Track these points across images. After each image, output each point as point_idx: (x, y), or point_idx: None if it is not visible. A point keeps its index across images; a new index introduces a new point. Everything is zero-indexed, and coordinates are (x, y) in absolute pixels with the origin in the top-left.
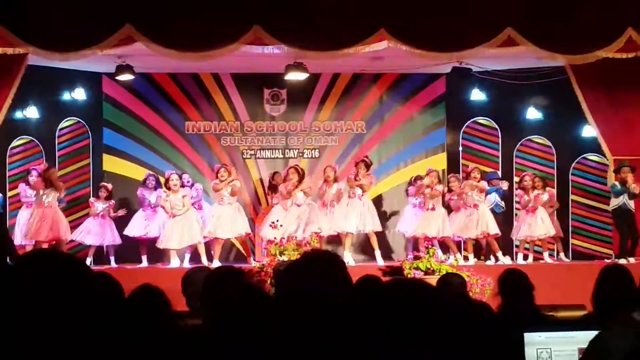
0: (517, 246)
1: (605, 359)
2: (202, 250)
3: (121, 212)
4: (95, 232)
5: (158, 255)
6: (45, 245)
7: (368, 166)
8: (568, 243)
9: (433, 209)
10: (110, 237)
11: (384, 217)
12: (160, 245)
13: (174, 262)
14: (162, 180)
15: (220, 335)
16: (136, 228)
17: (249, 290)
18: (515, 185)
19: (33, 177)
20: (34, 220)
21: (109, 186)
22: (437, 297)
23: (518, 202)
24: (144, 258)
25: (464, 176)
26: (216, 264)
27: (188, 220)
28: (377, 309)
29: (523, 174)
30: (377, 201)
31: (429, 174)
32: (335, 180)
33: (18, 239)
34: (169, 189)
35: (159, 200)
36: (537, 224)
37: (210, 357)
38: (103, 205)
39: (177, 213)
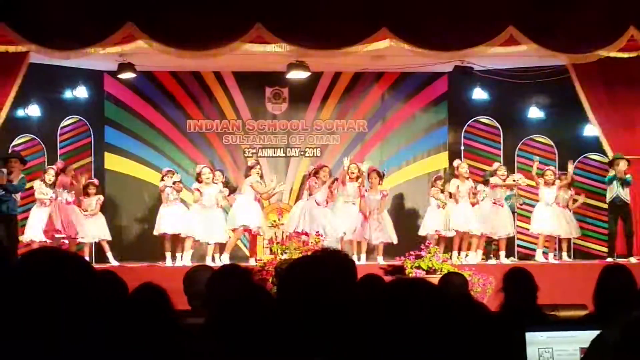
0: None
1: (607, 358)
2: (210, 249)
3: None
4: (88, 230)
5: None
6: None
7: (381, 177)
8: (570, 242)
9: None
10: (103, 233)
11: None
12: (184, 234)
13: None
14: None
15: (223, 335)
16: (167, 225)
17: (254, 289)
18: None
19: (51, 176)
20: (56, 218)
21: (96, 182)
22: (440, 297)
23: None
24: (168, 255)
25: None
26: (225, 258)
27: (216, 216)
28: (380, 308)
29: (546, 168)
30: None
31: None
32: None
33: (29, 235)
34: (200, 182)
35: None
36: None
37: (212, 357)
38: (93, 200)
39: (207, 205)
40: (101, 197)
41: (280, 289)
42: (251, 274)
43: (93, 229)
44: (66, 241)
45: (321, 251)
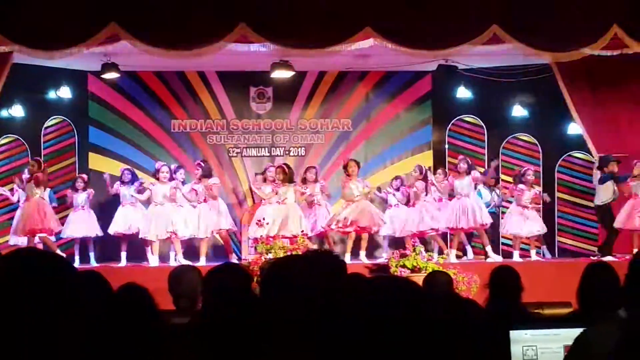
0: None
1: (590, 356)
2: (178, 247)
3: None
4: (80, 223)
5: (138, 252)
6: (36, 239)
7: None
8: (554, 240)
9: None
10: (94, 228)
11: None
12: (141, 235)
13: (153, 260)
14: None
15: (215, 332)
16: (120, 224)
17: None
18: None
19: (25, 176)
20: (24, 213)
21: (85, 176)
22: (422, 295)
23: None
24: (124, 255)
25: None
26: (202, 261)
27: (167, 213)
28: (362, 307)
29: (525, 168)
30: None
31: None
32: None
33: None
34: (157, 179)
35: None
36: (535, 220)
37: (195, 355)
38: (83, 195)
39: (159, 203)
40: (92, 191)
41: (261, 288)
42: (250, 275)
43: (83, 224)
44: (52, 238)
45: (310, 252)
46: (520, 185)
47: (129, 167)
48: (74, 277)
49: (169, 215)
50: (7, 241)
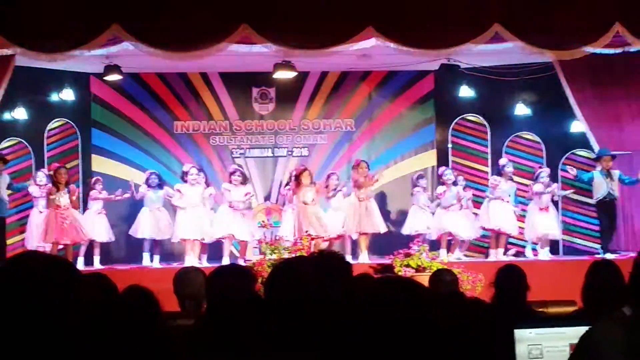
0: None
1: (596, 354)
2: (196, 250)
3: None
4: (104, 227)
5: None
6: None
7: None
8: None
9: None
10: (110, 232)
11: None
12: (174, 238)
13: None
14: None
15: (217, 333)
16: (146, 229)
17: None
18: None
19: (42, 179)
20: (50, 223)
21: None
22: (427, 296)
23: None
24: (151, 257)
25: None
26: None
27: (202, 215)
28: (368, 309)
29: (539, 169)
30: None
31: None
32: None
33: (31, 242)
34: (186, 182)
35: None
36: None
37: (203, 357)
38: (102, 198)
39: (193, 204)
40: (75, 187)
41: (266, 289)
42: (253, 276)
43: (101, 229)
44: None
45: (317, 253)
46: (536, 187)
47: (154, 171)
48: (77, 280)
49: (201, 219)
50: (16, 242)
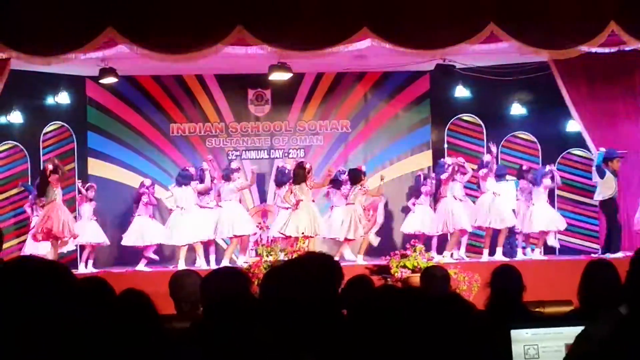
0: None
1: (591, 354)
2: (201, 251)
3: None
4: (97, 231)
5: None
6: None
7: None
8: (555, 238)
9: None
10: (104, 235)
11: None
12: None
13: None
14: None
15: (211, 337)
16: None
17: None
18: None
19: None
20: (53, 217)
21: (95, 186)
22: (423, 299)
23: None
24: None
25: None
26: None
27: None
28: (368, 315)
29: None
30: None
31: None
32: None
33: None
34: (180, 184)
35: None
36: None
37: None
38: (92, 205)
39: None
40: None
41: (261, 291)
42: (247, 278)
43: (92, 232)
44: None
45: (305, 254)
46: (546, 182)
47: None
48: (72, 284)
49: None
50: (13, 246)
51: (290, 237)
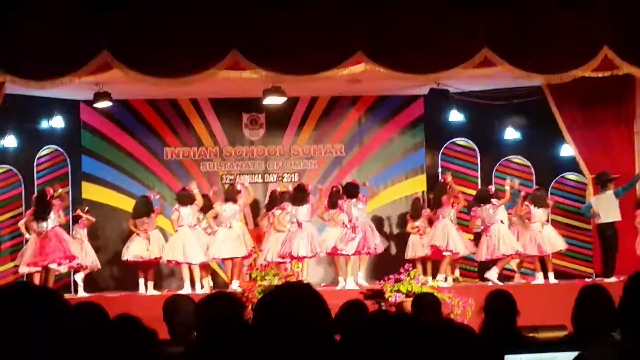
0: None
1: None
2: (197, 273)
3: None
4: (90, 254)
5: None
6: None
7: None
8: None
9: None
10: (96, 259)
11: None
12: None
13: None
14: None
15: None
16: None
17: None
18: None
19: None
20: (39, 243)
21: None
22: (417, 327)
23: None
24: (150, 284)
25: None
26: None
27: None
28: (359, 343)
29: (535, 188)
30: None
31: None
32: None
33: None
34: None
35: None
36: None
37: None
38: (85, 230)
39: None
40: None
41: (254, 317)
42: (241, 304)
43: (88, 256)
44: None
45: (282, 285)
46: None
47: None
48: (66, 311)
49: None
50: (7, 270)
51: (285, 260)
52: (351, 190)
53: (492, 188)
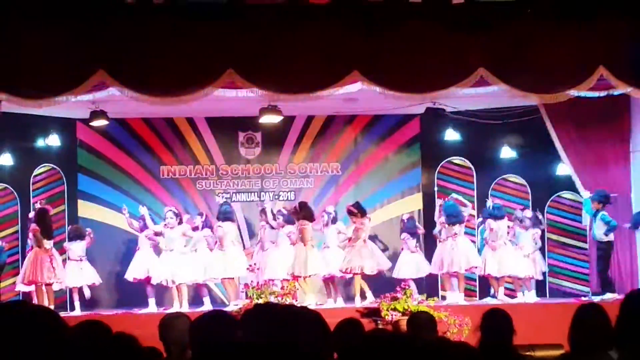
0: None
1: None
2: (184, 292)
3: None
4: (79, 273)
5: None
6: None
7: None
8: (545, 281)
9: None
10: (94, 277)
11: None
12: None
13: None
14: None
15: None
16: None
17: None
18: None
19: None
20: (31, 263)
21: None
22: (415, 350)
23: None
24: (152, 302)
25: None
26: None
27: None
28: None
29: (524, 208)
30: None
31: None
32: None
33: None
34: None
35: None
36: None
37: None
38: (82, 245)
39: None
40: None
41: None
42: (237, 323)
43: (80, 274)
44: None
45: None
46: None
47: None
48: (62, 330)
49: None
50: (8, 286)
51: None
52: (362, 210)
53: (490, 204)
